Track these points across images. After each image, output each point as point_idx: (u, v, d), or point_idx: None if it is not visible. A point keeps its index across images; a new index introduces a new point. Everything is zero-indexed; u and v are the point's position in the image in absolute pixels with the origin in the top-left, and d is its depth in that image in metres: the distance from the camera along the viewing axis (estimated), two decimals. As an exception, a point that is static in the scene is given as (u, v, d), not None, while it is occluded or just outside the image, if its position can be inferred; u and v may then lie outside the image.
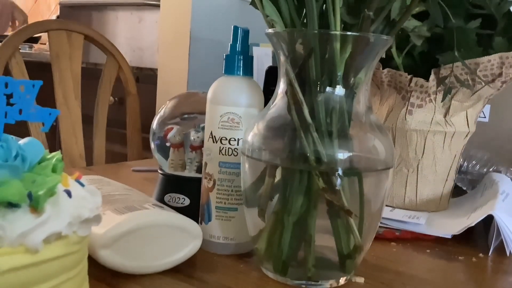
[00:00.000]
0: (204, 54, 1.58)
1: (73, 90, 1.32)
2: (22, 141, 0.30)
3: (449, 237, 0.60)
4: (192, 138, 0.59)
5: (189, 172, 0.60)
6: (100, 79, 1.32)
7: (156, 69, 1.69)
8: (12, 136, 0.31)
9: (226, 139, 0.51)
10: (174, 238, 0.46)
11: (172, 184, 0.59)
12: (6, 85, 0.30)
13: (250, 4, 0.49)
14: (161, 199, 0.58)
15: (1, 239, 0.22)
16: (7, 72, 1.19)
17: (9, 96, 0.31)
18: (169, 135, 0.60)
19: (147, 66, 1.83)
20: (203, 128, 0.58)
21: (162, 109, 0.62)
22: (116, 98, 1.73)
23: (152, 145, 0.61)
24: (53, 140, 1.27)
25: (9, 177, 0.24)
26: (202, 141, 0.59)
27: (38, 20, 1.33)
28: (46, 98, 1.34)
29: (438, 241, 0.60)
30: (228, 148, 0.52)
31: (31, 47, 2.38)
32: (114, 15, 2.04)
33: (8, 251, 0.22)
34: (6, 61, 1.18)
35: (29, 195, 0.23)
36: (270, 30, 0.46)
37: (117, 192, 0.53)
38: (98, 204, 0.26)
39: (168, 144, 0.60)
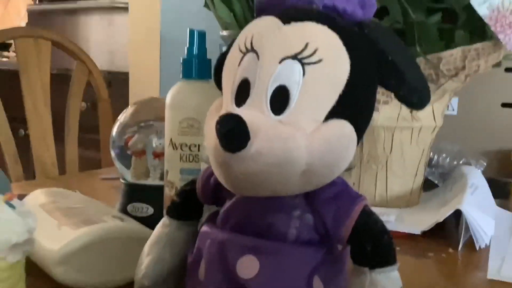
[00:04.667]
0: (176, 55, 1.56)
1: (43, 97, 1.30)
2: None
3: (419, 233, 0.60)
4: (154, 145, 0.58)
5: (153, 180, 0.58)
6: (70, 85, 1.30)
7: (128, 72, 1.67)
8: None
9: (187, 145, 0.50)
10: (134, 250, 0.45)
11: (136, 193, 0.58)
12: None
13: (204, 6, 0.48)
14: (124, 210, 0.57)
15: None
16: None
17: None
18: (130, 143, 0.58)
19: (119, 70, 1.81)
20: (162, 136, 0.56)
21: (122, 116, 0.60)
22: (88, 103, 1.71)
23: (113, 154, 0.60)
24: (24, 149, 1.25)
25: None
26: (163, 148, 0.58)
27: (5, 28, 1.30)
28: (16, 106, 1.31)
29: (408, 238, 0.60)
30: (189, 154, 0.50)
31: (0, 55, 2.33)
32: (84, 19, 2.01)
33: None
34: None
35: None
36: (224, 33, 0.45)
37: (76, 205, 0.52)
38: (30, 226, 0.25)
39: (129, 152, 0.59)
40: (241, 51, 0.33)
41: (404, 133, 0.66)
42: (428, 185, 0.75)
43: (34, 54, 1.27)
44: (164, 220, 0.40)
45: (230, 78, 0.33)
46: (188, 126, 0.50)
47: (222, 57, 0.36)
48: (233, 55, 0.34)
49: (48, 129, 1.29)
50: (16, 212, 0.26)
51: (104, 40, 1.91)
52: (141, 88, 1.60)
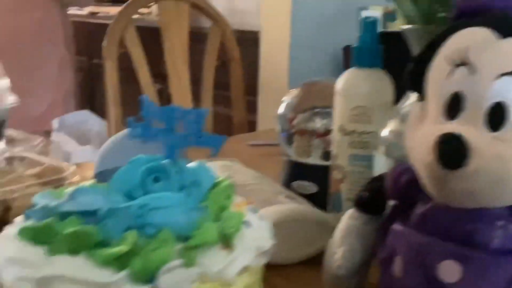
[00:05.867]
0: (307, 17, 1.56)
1: (182, 56, 1.37)
2: (191, 165, 0.33)
3: None
4: (317, 125, 0.60)
5: (314, 159, 0.61)
6: (206, 45, 1.36)
7: (257, 31, 1.70)
8: (186, 159, 0.33)
9: (357, 132, 0.52)
10: (311, 231, 0.49)
11: (299, 171, 0.61)
12: (175, 115, 0.33)
13: (384, -4, 0.48)
14: (288, 186, 0.61)
15: (205, 275, 0.24)
16: (122, 44, 1.26)
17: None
18: (295, 122, 0.61)
19: (248, 29, 1.84)
20: (327, 116, 0.58)
21: (289, 97, 0.63)
22: (219, 61, 1.77)
23: (279, 129, 0.63)
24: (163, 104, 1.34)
25: (201, 219, 0.26)
26: (327, 129, 0.60)
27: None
28: (158, 63, 1.40)
29: None
30: (359, 141, 0.52)
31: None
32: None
33: (210, 286, 0.25)
34: (121, 33, 1.24)
35: (223, 236, 0.26)
36: (406, 27, 0.45)
37: (248, 181, 0.56)
38: (268, 233, 0.28)
39: (293, 130, 0.62)
40: (451, 63, 0.33)
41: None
42: None
43: (174, 16, 1.34)
44: (352, 212, 0.42)
45: (437, 90, 0.34)
46: (359, 113, 0.52)
47: (419, 59, 0.37)
48: (441, 66, 0.34)
49: (187, 86, 1.37)
50: (257, 217, 0.29)
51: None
52: (270, 48, 1.63)
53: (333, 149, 0.54)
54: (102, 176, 0.55)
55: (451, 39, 0.34)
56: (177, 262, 0.24)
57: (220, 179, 0.32)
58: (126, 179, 0.30)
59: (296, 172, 0.61)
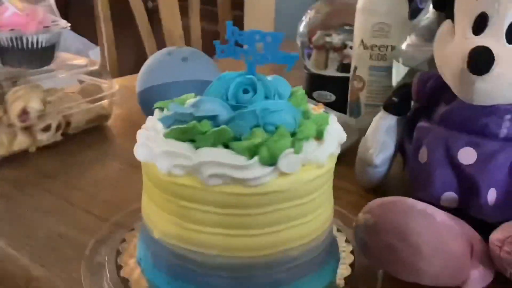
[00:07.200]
0: None
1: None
2: (270, 78, 0.40)
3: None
4: (333, 40, 0.67)
5: (331, 71, 0.69)
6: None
7: None
8: (262, 74, 0.40)
9: (377, 46, 0.59)
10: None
11: (319, 82, 0.69)
12: (255, 38, 0.39)
13: None
14: (310, 96, 0.69)
15: (307, 160, 0.33)
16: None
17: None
18: (314, 38, 0.68)
19: None
20: (343, 31, 0.65)
21: (307, 17, 0.69)
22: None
23: (299, 43, 0.70)
24: (155, 24, 1.36)
25: (301, 119, 0.34)
26: (343, 43, 0.67)
27: None
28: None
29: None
30: (378, 54, 0.60)
31: None
32: None
33: (309, 168, 0.33)
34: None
35: (318, 131, 0.34)
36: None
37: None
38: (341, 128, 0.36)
39: (311, 46, 0.69)
40: (479, -12, 0.41)
41: None
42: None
43: None
44: (382, 114, 0.51)
45: (466, 10, 0.41)
46: (379, 29, 0.59)
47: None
48: (469, -11, 0.41)
49: (175, 1, 1.38)
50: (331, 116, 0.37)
51: None
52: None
53: (354, 62, 0.62)
54: (145, 93, 0.62)
55: (478, -34, 0.41)
56: (291, 150, 0.32)
57: (294, 89, 0.39)
58: (220, 91, 0.37)
59: (316, 83, 0.69)
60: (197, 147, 0.32)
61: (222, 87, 0.37)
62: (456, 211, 0.42)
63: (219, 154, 0.32)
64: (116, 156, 0.60)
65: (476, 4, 0.41)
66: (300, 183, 0.33)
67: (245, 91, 0.37)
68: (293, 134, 0.33)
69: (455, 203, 0.44)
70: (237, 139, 0.32)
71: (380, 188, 0.52)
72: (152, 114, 0.38)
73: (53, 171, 0.56)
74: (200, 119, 0.33)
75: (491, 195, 0.42)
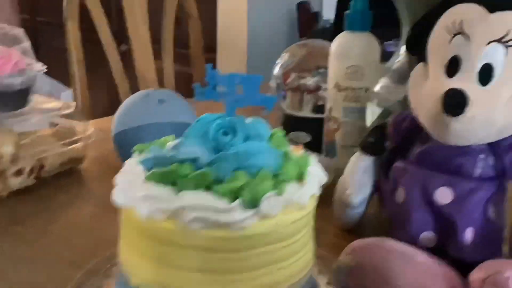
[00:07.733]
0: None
1: (141, 16, 1.39)
2: (249, 120, 0.40)
3: None
4: (308, 83, 0.69)
5: (306, 112, 0.70)
6: (163, 3, 1.38)
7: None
8: (240, 116, 0.40)
9: (351, 88, 0.61)
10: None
11: (293, 123, 0.69)
12: (235, 80, 0.39)
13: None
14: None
15: (289, 201, 0.32)
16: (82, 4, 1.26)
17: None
18: (289, 80, 0.69)
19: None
20: (317, 74, 0.67)
21: (281, 60, 0.71)
22: (177, 19, 1.79)
23: (273, 85, 0.71)
24: (128, 67, 1.36)
25: (284, 162, 0.34)
26: (317, 85, 0.68)
27: None
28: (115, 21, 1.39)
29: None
30: (352, 96, 0.61)
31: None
32: None
33: (291, 210, 0.33)
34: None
35: (299, 173, 0.34)
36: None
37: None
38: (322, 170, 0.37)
39: (286, 88, 0.70)
40: (450, 32, 0.42)
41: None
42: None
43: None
44: (359, 154, 0.51)
45: (439, 54, 0.43)
46: (353, 71, 0.60)
47: (419, 27, 0.46)
48: (441, 34, 0.43)
49: (148, 45, 1.39)
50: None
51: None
52: (228, 4, 1.67)
53: (329, 103, 0.63)
54: (122, 135, 0.61)
55: (448, 12, 0.43)
56: (273, 192, 0.32)
57: (274, 130, 0.39)
58: (199, 133, 0.37)
59: (292, 124, 0.70)
60: (178, 191, 0.32)
61: (202, 129, 0.37)
62: (434, 250, 0.42)
63: (201, 197, 0.31)
64: (90, 199, 0.59)
65: (448, 48, 0.42)
66: (283, 225, 0.32)
67: (225, 133, 0.37)
68: (274, 176, 0.33)
69: (434, 242, 0.44)
70: (219, 182, 0.32)
71: (357, 228, 0.52)
72: (128, 156, 0.37)
73: (26, 216, 0.54)
74: (181, 161, 0.33)
75: (469, 234, 0.43)
